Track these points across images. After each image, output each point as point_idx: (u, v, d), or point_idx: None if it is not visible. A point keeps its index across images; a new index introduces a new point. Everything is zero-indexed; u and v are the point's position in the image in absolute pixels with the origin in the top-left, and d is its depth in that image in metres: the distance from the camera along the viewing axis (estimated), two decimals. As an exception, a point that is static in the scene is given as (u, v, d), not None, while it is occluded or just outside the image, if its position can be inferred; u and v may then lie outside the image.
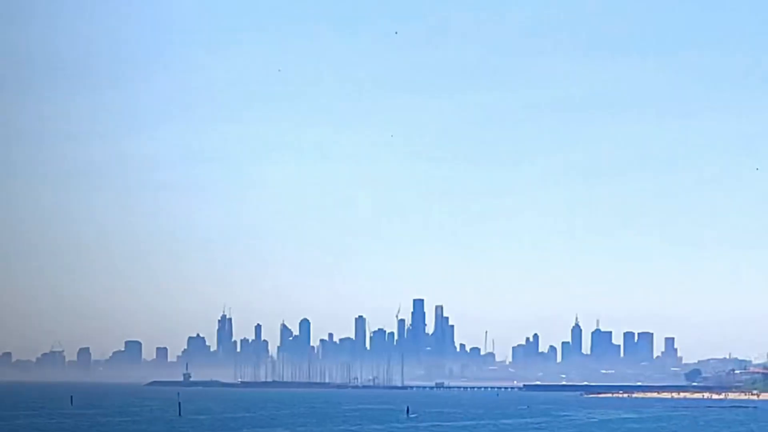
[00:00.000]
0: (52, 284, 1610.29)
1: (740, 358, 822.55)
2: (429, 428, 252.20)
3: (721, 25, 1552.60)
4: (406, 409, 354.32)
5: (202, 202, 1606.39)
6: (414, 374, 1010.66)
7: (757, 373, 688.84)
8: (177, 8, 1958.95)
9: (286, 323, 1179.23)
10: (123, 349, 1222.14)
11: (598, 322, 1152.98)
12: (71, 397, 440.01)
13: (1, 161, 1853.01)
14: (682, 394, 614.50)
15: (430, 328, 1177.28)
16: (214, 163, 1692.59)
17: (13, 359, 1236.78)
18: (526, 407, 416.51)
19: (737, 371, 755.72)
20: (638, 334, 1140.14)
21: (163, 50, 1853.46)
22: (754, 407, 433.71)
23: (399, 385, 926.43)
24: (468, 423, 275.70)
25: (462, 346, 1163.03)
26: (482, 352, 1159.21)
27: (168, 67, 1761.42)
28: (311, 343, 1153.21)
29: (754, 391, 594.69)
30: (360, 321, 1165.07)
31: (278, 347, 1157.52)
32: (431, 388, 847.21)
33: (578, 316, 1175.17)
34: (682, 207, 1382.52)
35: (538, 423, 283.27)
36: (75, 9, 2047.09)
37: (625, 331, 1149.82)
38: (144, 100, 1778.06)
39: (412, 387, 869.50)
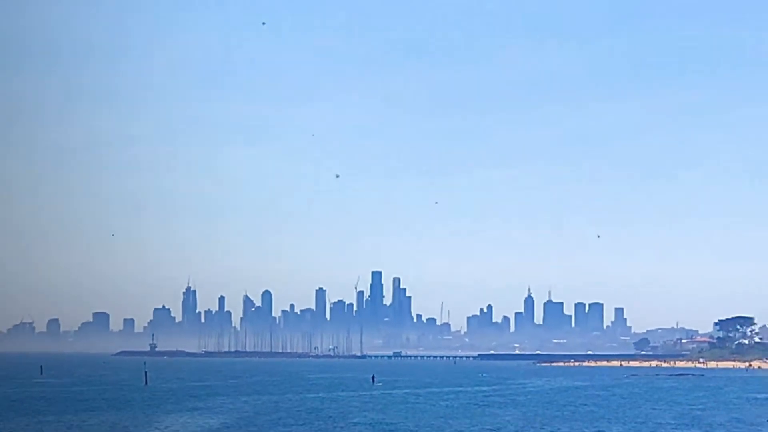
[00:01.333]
0: (22, 257, 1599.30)
1: (687, 327, 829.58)
2: (399, 395, 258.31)
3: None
4: (371, 377, 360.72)
5: (168, 180, 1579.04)
6: (372, 344, 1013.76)
7: (704, 342, 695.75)
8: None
9: (248, 295, 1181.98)
10: (91, 320, 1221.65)
11: (550, 293, 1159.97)
12: (41, 366, 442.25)
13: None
14: (631, 363, 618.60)
15: (387, 300, 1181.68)
16: (182, 142, 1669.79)
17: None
18: (483, 375, 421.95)
19: (684, 340, 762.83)
20: (589, 304, 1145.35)
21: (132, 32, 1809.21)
22: (701, 375, 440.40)
23: (358, 354, 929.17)
24: (431, 390, 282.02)
25: (419, 316, 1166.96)
26: (438, 323, 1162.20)
27: (138, 49, 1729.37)
28: (273, 314, 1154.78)
29: (701, 360, 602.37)
30: (320, 293, 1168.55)
31: (241, 318, 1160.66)
32: (389, 357, 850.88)
33: (531, 288, 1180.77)
34: (626, 183, 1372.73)
35: (495, 390, 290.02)
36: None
37: (576, 301, 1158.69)
38: (116, 81, 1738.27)
39: (371, 356, 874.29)
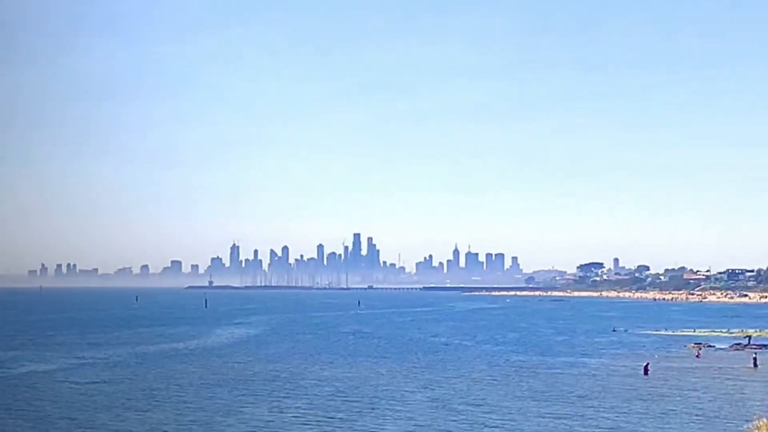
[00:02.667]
0: (123, 218, 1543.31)
1: (559, 269, 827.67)
2: (374, 313, 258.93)
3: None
4: (357, 302, 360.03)
5: (212, 161, 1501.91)
6: (354, 281, 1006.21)
7: (570, 279, 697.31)
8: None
9: (273, 248, 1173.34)
10: (170, 265, 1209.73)
11: (469, 246, 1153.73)
12: (136, 297, 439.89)
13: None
14: (523, 293, 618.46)
15: (364, 251, 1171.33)
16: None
17: (99, 272, 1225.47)
18: (433, 301, 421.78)
19: (558, 278, 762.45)
20: (495, 254, 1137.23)
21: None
22: (567, 300, 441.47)
23: (345, 287, 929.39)
24: (394, 310, 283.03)
25: (384, 262, 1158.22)
26: (397, 266, 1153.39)
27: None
28: (289, 261, 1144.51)
29: (568, 290, 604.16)
30: (320, 247, 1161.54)
31: (269, 264, 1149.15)
32: (365, 289, 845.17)
33: (457, 243, 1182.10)
34: (530, 151, 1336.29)
35: (436, 310, 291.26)
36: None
37: (487, 252, 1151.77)
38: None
39: (353, 288, 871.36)
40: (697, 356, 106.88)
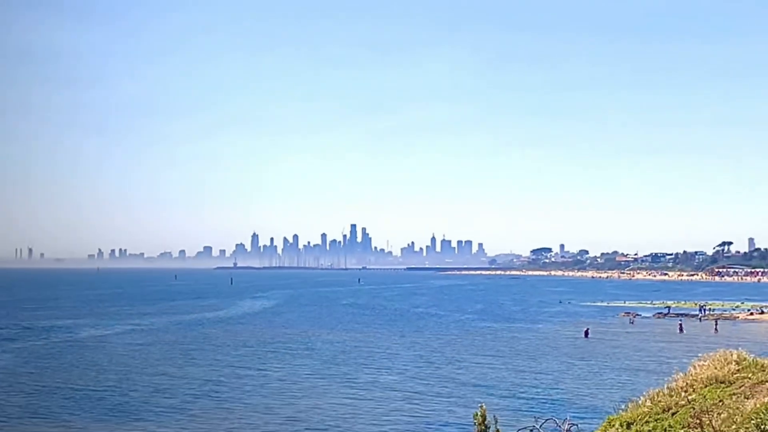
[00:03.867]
0: (177, 213, 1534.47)
1: (516, 253, 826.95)
2: (372, 288, 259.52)
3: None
4: (358, 279, 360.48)
5: (237, 165, 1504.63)
6: (350, 263, 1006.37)
7: (525, 261, 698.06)
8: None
9: (286, 236, 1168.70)
10: (202, 250, 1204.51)
11: (444, 234, 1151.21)
12: (175, 275, 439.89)
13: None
14: (487, 272, 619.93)
15: (359, 239, 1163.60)
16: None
17: (145, 256, 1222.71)
18: (416, 280, 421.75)
19: (515, 260, 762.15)
20: (464, 241, 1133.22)
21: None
22: (523, 278, 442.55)
23: (343, 268, 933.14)
24: (384, 286, 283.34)
25: (375, 247, 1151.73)
26: (386, 251, 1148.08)
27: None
28: (299, 247, 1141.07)
29: (523, 270, 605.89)
30: (323, 235, 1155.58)
31: (282, 249, 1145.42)
32: (360, 269, 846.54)
33: (434, 232, 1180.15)
34: (494, 158, 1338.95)
35: (417, 286, 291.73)
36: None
37: (458, 239, 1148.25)
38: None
39: (350, 269, 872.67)
40: (631, 323, 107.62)
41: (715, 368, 14.56)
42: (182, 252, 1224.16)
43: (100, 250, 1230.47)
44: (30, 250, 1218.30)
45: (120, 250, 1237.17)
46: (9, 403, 43.96)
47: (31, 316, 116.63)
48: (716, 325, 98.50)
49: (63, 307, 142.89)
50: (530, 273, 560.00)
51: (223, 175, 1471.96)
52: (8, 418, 39.69)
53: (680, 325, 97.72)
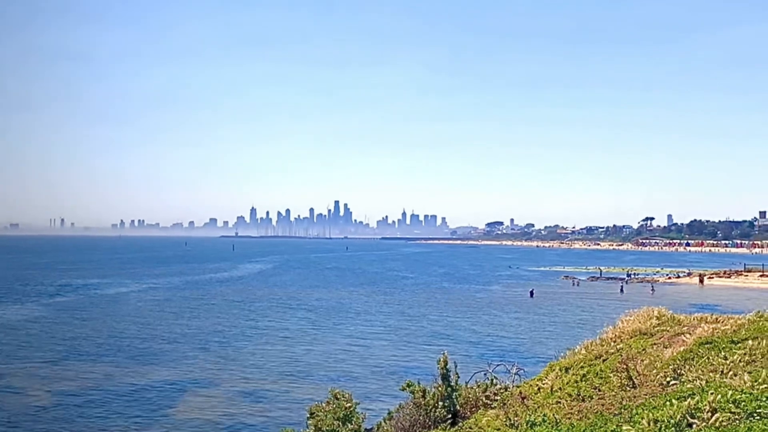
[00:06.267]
0: (187, 188, 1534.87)
1: (473, 225, 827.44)
2: (358, 254, 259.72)
3: None
4: (345, 247, 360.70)
5: (239, 148, 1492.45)
6: (334, 233, 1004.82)
7: (481, 232, 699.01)
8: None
9: (279, 210, 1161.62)
10: (208, 221, 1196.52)
11: (413, 209, 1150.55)
12: (185, 242, 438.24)
13: None
14: (449, 242, 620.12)
15: (341, 213, 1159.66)
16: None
17: (160, 225, 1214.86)
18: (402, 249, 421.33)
19: (472, 231, 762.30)
20: (430, 215, 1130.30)
21: None
22: (479, 247, 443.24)
23: (328, 237, 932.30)
24: (362, 252, 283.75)
25: (355, 220, 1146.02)
26: (364, 223, 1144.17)
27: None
28: (290, 219, 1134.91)
29: (479, 240, 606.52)
30: (312, 209, 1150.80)
31: (276, 221, 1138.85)
32: (342, 239, 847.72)
33: (404, 207, 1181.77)
34: (455, 144, 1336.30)
35: (390, 253, 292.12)
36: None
37: (425, 214, 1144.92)
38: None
39: (333, 238, 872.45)
40: (576, 285, 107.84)
41: (640, 322, 14.84)
42: (191, 223, 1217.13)
43: (122, 220, 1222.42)
44: (62, 220, 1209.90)
45: (139, 220, 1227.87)
46: (46, 348, 43.93)
47: (64, 275, 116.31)
48: (653, 287, 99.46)
49: (90, 268, 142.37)
50: (485, 243, 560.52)
51: (226, 158, 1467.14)
52: (45, 362, 39.66)
53: (621, 287, 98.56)
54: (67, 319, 59.31)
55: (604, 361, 12.52)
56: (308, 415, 9.84)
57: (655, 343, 13.01)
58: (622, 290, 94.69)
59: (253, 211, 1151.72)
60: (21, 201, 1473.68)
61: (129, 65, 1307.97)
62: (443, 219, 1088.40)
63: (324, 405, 9.95)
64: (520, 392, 12.36)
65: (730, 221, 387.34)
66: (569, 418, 9.28)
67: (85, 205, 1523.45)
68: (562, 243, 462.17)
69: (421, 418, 12.96)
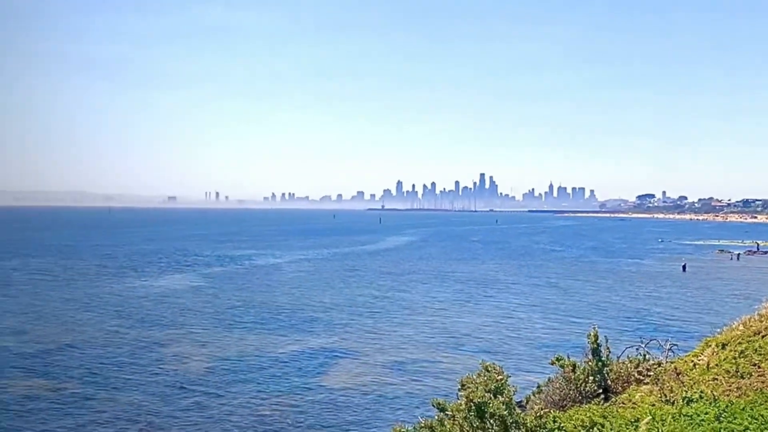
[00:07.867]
0: (337, 164, 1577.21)
1: (623, 198, 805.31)
2: (503, 227, 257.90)
3: None
4: (495, 220, 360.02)
5: (388, 127, 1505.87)
6: (479, 206, 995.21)
7: (631, 205, 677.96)
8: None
9: (425, 183, 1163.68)
10: (356, 194, 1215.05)
11: (560, 182, 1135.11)
12: (334, 215, 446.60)
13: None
14: (597, 215, 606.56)
15: (487, 186, 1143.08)
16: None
17: (309, 198, 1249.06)
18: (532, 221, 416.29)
19: (622, 204, 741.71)
20: (578, 188, 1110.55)
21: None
22: (629, 219, 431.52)
23: (473, 210, 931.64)
24: (507, 225, 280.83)
25: (501, 193, 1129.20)
26: (509, 196, 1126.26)
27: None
28: (436, 192, 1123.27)
29: (629, 213, 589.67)
30: (457, 183, 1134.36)
31: (422, 194, 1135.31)
32: (487, 212, 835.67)
33: (551, 179, 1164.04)
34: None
35: (537, 225, 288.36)
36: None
37: (572, 186, 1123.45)
38: None
39: (479, 211, 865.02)
40: (736, 259, 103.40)
41: (803, 299, 14.20)
42: (339, 195, 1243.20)
43: (273, 193, 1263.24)
44: (217, 194, 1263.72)
45: (289, 193, 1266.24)
46: (206, 316, 46.18)
47: (220, 246, 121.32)
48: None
49: (244, 240, 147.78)
50: (635, 216, 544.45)
51: (374, 133, 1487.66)
52: (205, 329, 41.68)
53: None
54: (225, 288, 62.05)
55: (763, 337, 12.11)
56: (459, 387, 10.02)
57: (820, 321, 12.44)
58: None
59: (399, 184, 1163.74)
60: (179, 175, 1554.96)
61: (281, 42, 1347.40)
62: (591, 191, 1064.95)
63: (475, 377, 10.12)
64: (675, 368, 12.15)
65: None
66: (727, 395, 9.08)
67: (239, 179, 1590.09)
68: (717, 216, 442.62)
69: (571, 392, 12.96)
